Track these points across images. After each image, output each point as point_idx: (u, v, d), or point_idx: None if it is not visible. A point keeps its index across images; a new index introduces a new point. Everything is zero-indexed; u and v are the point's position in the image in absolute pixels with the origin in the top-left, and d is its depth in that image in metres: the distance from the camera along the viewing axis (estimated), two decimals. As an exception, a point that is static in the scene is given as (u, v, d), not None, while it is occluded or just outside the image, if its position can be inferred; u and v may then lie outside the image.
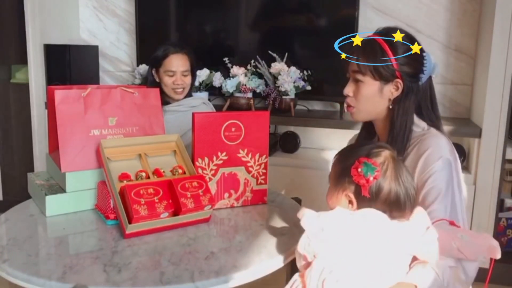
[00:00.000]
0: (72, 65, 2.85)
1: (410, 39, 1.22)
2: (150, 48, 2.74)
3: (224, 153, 1.39)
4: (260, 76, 2.64)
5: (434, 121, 1.26)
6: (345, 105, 1.32)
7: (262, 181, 1.46)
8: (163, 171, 1.34)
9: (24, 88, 2.98)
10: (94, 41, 3.16)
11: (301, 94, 2.59)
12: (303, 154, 2.65)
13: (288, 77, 2.49)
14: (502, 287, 2.35)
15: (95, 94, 1.42)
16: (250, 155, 1.43)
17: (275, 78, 2.56)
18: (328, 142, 2.73)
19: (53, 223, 1.32)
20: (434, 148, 1.17)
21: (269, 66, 2.59)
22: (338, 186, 1.05)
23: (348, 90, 1.27)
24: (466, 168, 2.44)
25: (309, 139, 2.77)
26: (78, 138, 1.37)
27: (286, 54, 2.58)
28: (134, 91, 1.49)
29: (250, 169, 1.43)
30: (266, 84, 2.62)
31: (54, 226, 1.31)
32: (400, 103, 1.22)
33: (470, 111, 2.57)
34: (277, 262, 1.12)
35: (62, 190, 1.39)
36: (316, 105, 2.80)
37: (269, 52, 2.60)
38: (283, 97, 2.53)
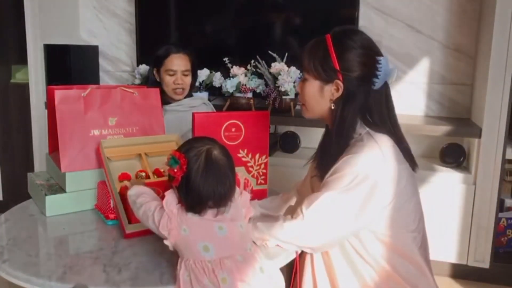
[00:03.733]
0: (72, 65, 2.84)
1: (363, 41, 1.18)
2: (150, 48, 2.75)
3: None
4: (260, 76, 2.64)
5: (385, 129, 1.18)
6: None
7: (262, 181, 1.46)
8: (163, 171, 1.34)
9: (24, 88, 2.99)
10: (94, 41, 3.16)
11: (301, 94, 2.59)
12: (303, 154, 2.65)
13: (288, 77, 2.49)
14: (502, 287, 2.35)
15: (95, 94, 1.42)
16: (250, 155, 1.43)
17: (275, 78, 2.56)
18: (328, 142, 2.73)
19: (53, 223, 1.32)
20: (356, 155, 1.12)
21: (269, 66, 2.59)
22: (168, 177, 1.10)
23: (298, 87, 1.28)
24: (466, 168, 2.44)
25: (309, 139, 2.76)
26: (78, 138, 1.37)
27: (286, 54, 2.58)
28: (134, 91, 1.49)
29: (250, 169, 1.43)
30: (266, 84, 2.62)
31: (54, 226, 1.31)
32: (339, 105, 1.19)
33: (470, 111, 2.57)
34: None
35: (62, 190, 1.39)
36: (316, 105, 2.80)
37: (269, 52, 2.60)
38: (283, 97, 2.53)
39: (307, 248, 1.19)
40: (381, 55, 1.19)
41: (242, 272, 1.00)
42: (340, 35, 1.20)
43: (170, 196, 1.04)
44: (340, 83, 1.17)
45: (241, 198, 1.10)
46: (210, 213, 1.03)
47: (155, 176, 1.33)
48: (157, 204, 1.06)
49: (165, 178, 1.29)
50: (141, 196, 1.10)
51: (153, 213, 1.04)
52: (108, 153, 1.32)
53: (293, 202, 1.44)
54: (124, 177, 1.29)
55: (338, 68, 1.16)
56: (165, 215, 1.02)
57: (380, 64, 1.16)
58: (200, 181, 1.00)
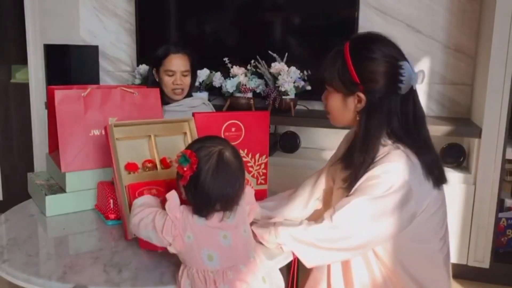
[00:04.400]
0: (72, 65, 2.84)
1: (382, 49, 1.14)
2: (150, 48, 2.74)
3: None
4: (260, 76, 2.64)
5: (411, 139, 1.15)
6: None
7: (262, 181, 1.46)
8: (170, 161, 1.29)
9: (24, 88, 2.98)
10: (94, 41, 3.15)
11: (301, 94, 2.59)
12: (303, 154, 2.65)
13: (288, 77, 2.49)
14: (502, 287, 2.35)
15: (95, 94, 1.42)
16: (250, 155, 1.43)
17: (275, 78, 2.56)
18: (328, 142, 2.73)
19: (53, 223, 1.32)
20: (393, 164, 1.10)
21: (269, 66, 2.59)
22: (177, 174, 1.05)
23: (323, 97, 1.25)
24: (466, 168, 2.44)
25: (309, 139, 2.77)
26: (78, 138, 1.37)
27: (286, 54, 2.58)
28: (134, 91, 1.49)
29: (250, 169, 1.43)
30: (266, 84, 2.62)
31: (54, 226, 1.31)
32: (363, 116, 1.15)
33: (470, 111, 2.57)
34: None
35: (62, 190, 1.39)
36: (316, 105, 2.79)
37: (269, 52, 2.60)
38: (283, 97, 2.53)
39: (325, 247, 1.11)
40: (404, 59, 1.15)
41: (244, 284, 0.98)
42: (358, 45, 1.16)
43: (173, 200, 0.99)
44: (362, 95, 1.14)
45: (244, 195, 1.05)
46: (215, 218, 0.99)
47: (162, 167, 1.28)
48: (156, 210, 1.03)
49: (170, 171, 1.26)
50: (141, 206, 1.06)
51: (153, 219, 1.00)
52: (117, 134, 1.25)
53: (296, 197, 1.41)
54: (131, 167, 1.24)
55: (357, 81, 1.13)
56: (169, 219, 0.98)
57: (403, 69, 1.12)
58: (210, 182, 0.97)
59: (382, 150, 1.13)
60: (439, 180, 1.17)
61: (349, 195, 1.13)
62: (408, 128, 1.15)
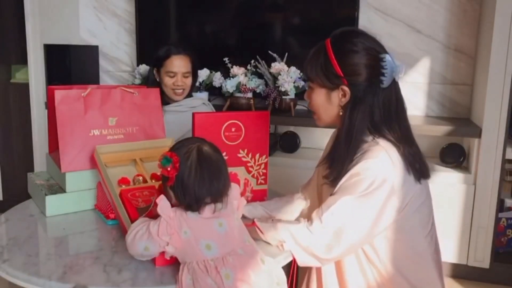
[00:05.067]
0: (72, 65, 2.84)
1: (364, 42, 1.15)
2: (150, 48, 2.75)
3: (224, 153, 1.38)
4: (260, 76, 2.64)
5: (393, 131, 1.16)
6: None
7: (262, 181, 1.46)
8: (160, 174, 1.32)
9: (24, 88, 2.98)
10: (94, 41, 3.16)
11: (301, 94, 2.58)
12: (303, 154, 2.65)
13: (288, 77, 2.49)
14: (502, 287, 2.35)
15: (95, 94, 1.42)
16: (250, 155, 1.43)
17: (275, 78, 2.56)
18: (328, 142, 2.73)
19: (53, 223, 1.32)
20: (373, 160, 1.11)
21: (269, 66, 2.59)
22: (162, 181, 1.09)
23: (305, 96, 1.26)
24: (466, 168, 2.44)
25: (309, 139, 2.77)
26: (78, 138, 1.37)
27: (286, 54, 2.58)
28: (134, 91, 1.49)
29: (250, 169, 1.43)
30: (266, 84, 2.62)
31: (54, 226, 1.31)
32: (347, 110, 1.16)
33: (470, 111, 2.57)
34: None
35: (62, 190, 1.39)
36: (316, 105, 2.80)
37: (269, 52, 2.60)
38: (283, 97, 2.53)
39: (321, 257, 1.14)
40: (385, 52, 1.16)
41: (244, 266, 1.00)
42: (339, 39, 1.18)
43: (163, 202, 1.01)
44: (346, 88, 1.15)
45: (230, 192, 1.08)
46: (208, 210, 1.03)
47: (153, 181, 1.31)
48: (149, 220, 1.04)
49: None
50: (135, 224, 1.08)
51: (147, 227, 1.02)
52: (104, 159, 1.31)
53: (297, 204, 1.43)
54: (123, 181, 1.28)
55: (341, 74, 1.14)
56: (163, 221, 1.00)
57: (384, 62, 1.13)
58: (195, 178, 1.00)
59: (362, 146, 1.15)
60: (420, 173, 1.17)
61: (333, 193, 1.15)
62: (390, 121, 1.16)
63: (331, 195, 1.15)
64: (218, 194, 1.03)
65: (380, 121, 1.16)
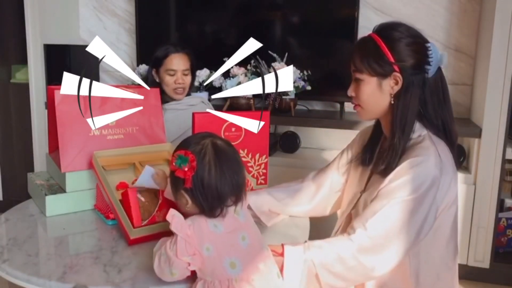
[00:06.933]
0: (72, 65, 2.84)
1: (409, 31, 1.18)
2: (150, 48, 2.73)
3: (224, 153, 1.39)
4: (260, 76, 2.63)
5: (443, 120, 1.19)
6: (353, 106, 1.29)
7: (262, 181, 1.46)
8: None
9: (24, 88, 2.98)
10: (94, 41, 3.15)
11: (301, 94, 2.59)
12: (303, 154, 2.65)
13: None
14: (502, 287, 2.35)
15: (95, 94, 1.42)
16: (250, 155, 1.43)
17: (275, 78, 2.56)
18: (328, 142, 2.73)
19: (53, 223, 1.32)
20: (421, 158, 1.10)
21: (269, 66, 2.59)
22: (173, 185, 0.99)
23: (350, 90, 1.25)
24: (466, 168, 2.44)
25: (309, 139, 2.76)
26: (78, 138, 1.37)
27: (286, 54, 2.58)
28: (134, 91, 1.48)
29: (250, 169, 1.43)
30: (266, 84, 2.62)
31: (54, 226, 1.31)
32: (401, 98, 1.17)
33: (470, 111, 2.57)
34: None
35: (62, 190, 1.39)
36: (316, 105, 2.80)
37: (269, 52, 2.60)
38: (283, 97, 2.53)
39: (373, 273, 1.09)
40: (428, 41, 1.19)
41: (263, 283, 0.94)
42: (385, 29, 1.19)
43: (176, 219, 0.91)
44: (398, 75, 1.16)
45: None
46: (230, 219, 0.94)
47: None
48: (166, 239, 0.95)
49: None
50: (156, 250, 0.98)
51: (165, 249, 0.92)
52: (102, 163, 1.30)
53: (307, 192, 1.40)
54: (122, 186, 1.28)
55: (393, 60, 1.15)
56: (180, 239, 0.89)
57: (430, 50, 1.16)
58: (216, 174, 0.91)
59: (412, 136, 1.16)
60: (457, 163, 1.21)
61: (376, 197, 1.12)
62: (438, 109, 1.19)
63: (372, 200, 1.13)
64: (239, 190, 0.95)
65: (430, 108, 1.18)
